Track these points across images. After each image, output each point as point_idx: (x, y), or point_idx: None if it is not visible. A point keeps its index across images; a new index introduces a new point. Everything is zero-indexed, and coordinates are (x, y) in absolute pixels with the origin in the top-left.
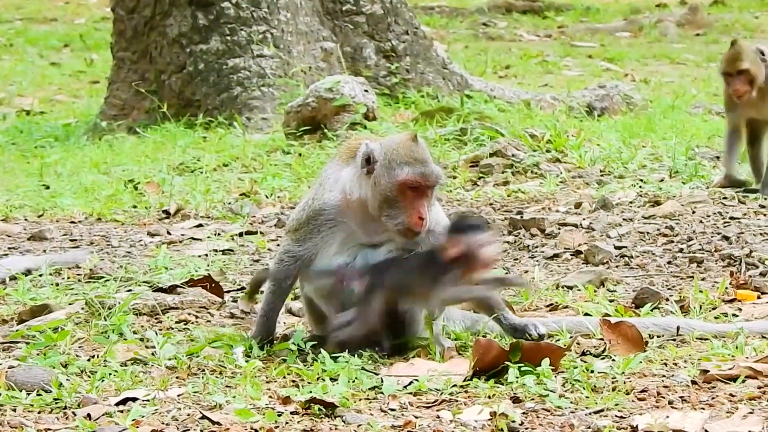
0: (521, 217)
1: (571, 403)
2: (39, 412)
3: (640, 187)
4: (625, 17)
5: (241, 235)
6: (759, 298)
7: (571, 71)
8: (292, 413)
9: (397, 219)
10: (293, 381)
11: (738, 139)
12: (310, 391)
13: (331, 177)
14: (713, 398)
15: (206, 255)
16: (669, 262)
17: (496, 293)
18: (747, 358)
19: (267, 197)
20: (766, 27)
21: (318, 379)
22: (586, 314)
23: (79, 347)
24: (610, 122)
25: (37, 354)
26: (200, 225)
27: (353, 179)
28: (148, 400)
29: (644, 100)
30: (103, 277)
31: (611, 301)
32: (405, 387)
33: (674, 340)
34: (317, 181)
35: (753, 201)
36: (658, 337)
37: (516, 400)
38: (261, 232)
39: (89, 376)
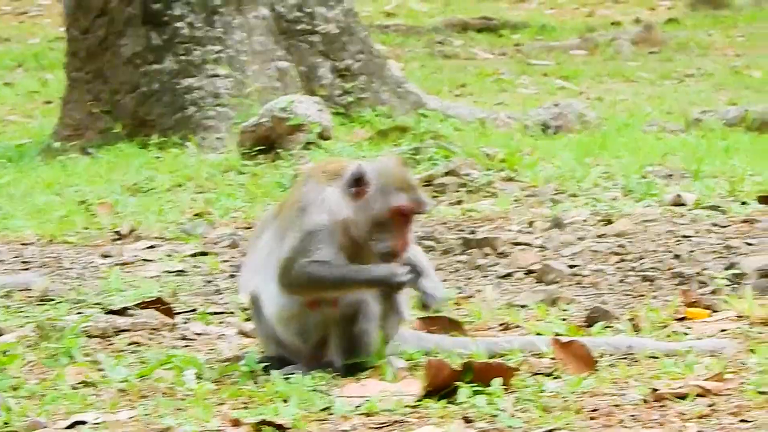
0: (474, 236)
1: (523, 422)
2: None
3: (594, 205)
4: (581, 35)
5: (194, 256)
6: (710, 316)
7: (527, 89)
8: None
9: (384, 243)
10: (244, 403)
11: None
12: (261, 413)
13: (315, 200)
14: (663, 416)
15: (158, 276)
16: (621, 281)
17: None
18: (697, 376)
19: (221, 218)
20: (720, 45)
21: (269, 400)
22: (538, 333)
23: (30, 370)
24: (565, 141)
25: None
26: (153, 246)
27: (339, 200)
28: (98, 423)
29: (598, 118)
30: (54, 300)
31: (563, 320)
32: (356, 407)
33: (625, 358)
34: (296, 207)
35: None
36: (609, 356)
37: (467, 420)
38: (214, 253)
39: (39, 400)
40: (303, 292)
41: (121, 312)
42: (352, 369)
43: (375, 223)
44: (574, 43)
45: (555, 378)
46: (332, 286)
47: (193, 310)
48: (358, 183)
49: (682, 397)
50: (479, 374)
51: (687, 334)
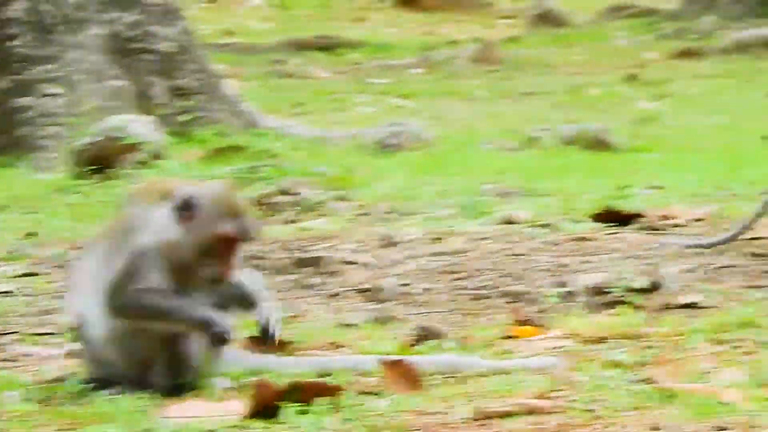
0: (306, 255)
1: None
2: None
3: (427, 224)
4: (419, 54)
5: (21, 276)
6: (540, 334)
7: (365, 108)
8: None
9: (210, 267)
10: (68, 424)
11: None
12: None
13: (142, 221)
14: None
15: None
16: (452, 299)
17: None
18: (524, 394)
19: (50, 238)
20: (559, 63)
21: (93, 421)
22: (367, 353)
23: None
24: (401, 159)
25: None
26: None
27: (166, 222)
28: None
29: (436, 137)
30: None
31: (393, 339)
32: (179, 428)
33: (453, 377)
34: (123, 228)
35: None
36: (437, 374)
37: None
38: (43, 274)
39: None
40: (127, 319)
41: None
42: (177, 389)
43: (201, 248)
44: (412, 61)
45: (382, 397)
46: (155, 317)
47: (18, 331)
48: (186, 207)
49: (509, 415)
50: (305, 394)
51: (516, 352)
